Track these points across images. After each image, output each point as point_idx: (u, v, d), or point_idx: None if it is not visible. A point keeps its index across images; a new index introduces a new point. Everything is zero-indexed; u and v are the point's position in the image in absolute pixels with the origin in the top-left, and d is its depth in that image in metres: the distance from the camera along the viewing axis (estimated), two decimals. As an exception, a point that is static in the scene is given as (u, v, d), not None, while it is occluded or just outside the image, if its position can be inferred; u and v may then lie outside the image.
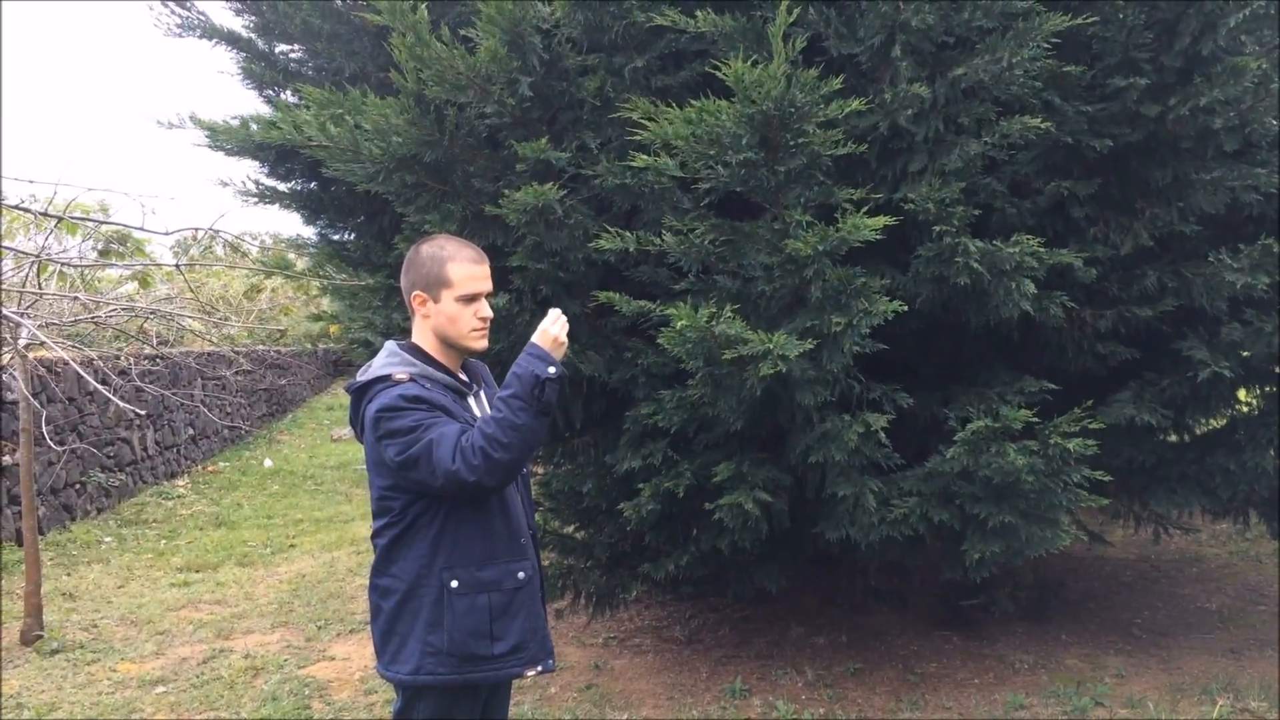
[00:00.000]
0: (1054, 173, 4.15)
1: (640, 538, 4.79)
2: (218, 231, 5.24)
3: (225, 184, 5.90)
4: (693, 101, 3.46)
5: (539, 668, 2.58)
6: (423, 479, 2.38)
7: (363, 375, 2.55)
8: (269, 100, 5.99)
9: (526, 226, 4.05)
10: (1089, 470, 3.90)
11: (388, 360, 2.53)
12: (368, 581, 2.67)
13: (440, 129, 4.20)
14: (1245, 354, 4.24)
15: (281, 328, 17.22)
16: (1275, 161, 4.24)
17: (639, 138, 3.64)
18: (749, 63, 3.31)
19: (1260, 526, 5.25)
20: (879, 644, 5.32)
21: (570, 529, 5.27)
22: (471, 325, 2.56)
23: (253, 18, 5.79)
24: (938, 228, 3.76)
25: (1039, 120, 3.77)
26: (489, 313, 2.58)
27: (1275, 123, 4.42)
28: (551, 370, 2.39)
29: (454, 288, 2.53)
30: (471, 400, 2.65)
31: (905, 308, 3.70)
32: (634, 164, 3.72)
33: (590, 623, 5.72)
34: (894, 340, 3.97)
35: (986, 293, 3.86)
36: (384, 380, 2.47)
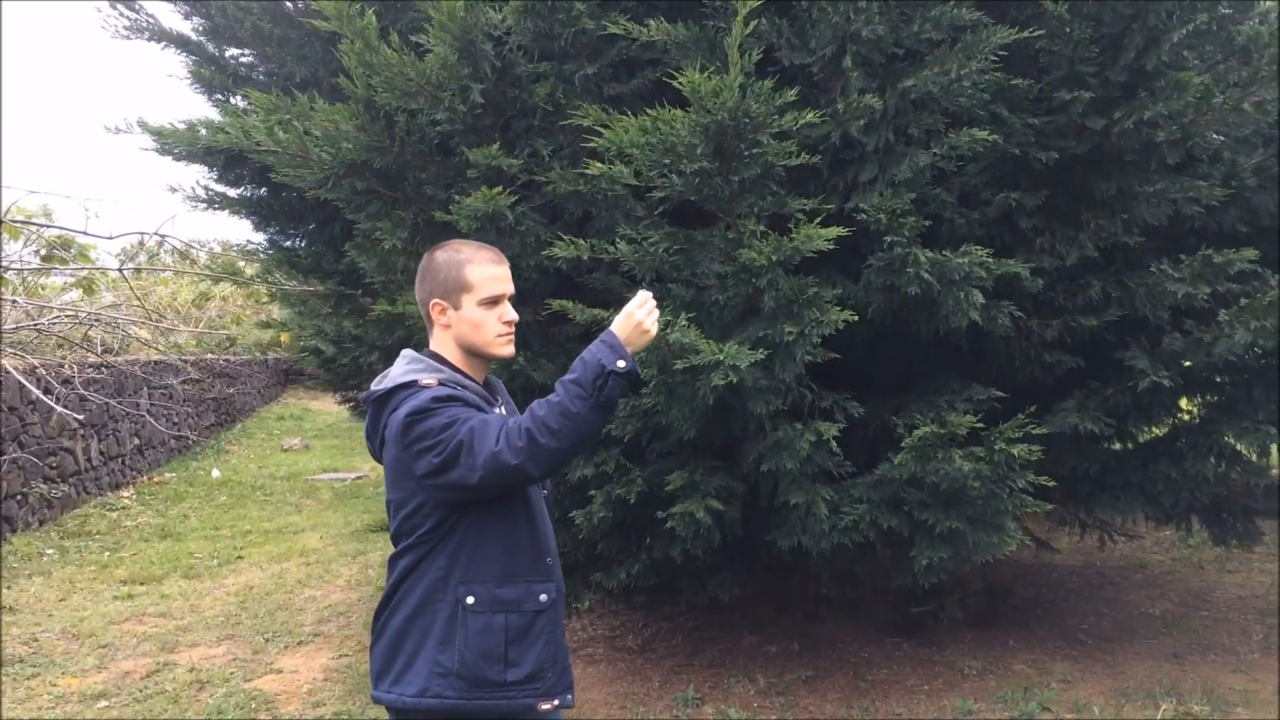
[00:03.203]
0: (1002, 184, 4.21)
1: (593, 546, 4.78)
2: (165, 237, 5.17)
3: (174, 189, 5.82)
4: (646, 110, 3.47)
5: (555, 701, 2.35)
6: (461, 476, 2.18)
7: (380, 384, 2.37)
8: (219, 104, 5.93)
9: (478, 233, 4.03)
10: (1034, 476, 3.95)
11: (409, 367, 2.36)
12: (377, 607, 2.43)
13: (391, 135, 4.18)
14: (1186, 364, 4.32)
15: (231, 335, 16.99)
16: (1217, 174, 4.34)
17: (593, 145, 3.65)
18: (705, 73, 3.33)
19: (1202, 533, 5.34)
20: (831, 651, 5.34)
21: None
22: (496, 330, 2.39)
23: (202, 21, 5.72)
24: (888, 238, 3.80)
25: (987, 132, 3.83)
26: (514, 315, 2.42)
27: (1217, 137, 4.53)
28: (620, 364, 2.21)
29: (475, 291, 2.37)
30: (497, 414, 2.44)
31: (856, 317, 3.73)
32: (588, 171, 3.72)
33: (543, 632, 5.68)
34: (846, 349, 4.00)
35: (936, 302, 3.90)
36: (409, 386, 2.30)
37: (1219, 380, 4.81)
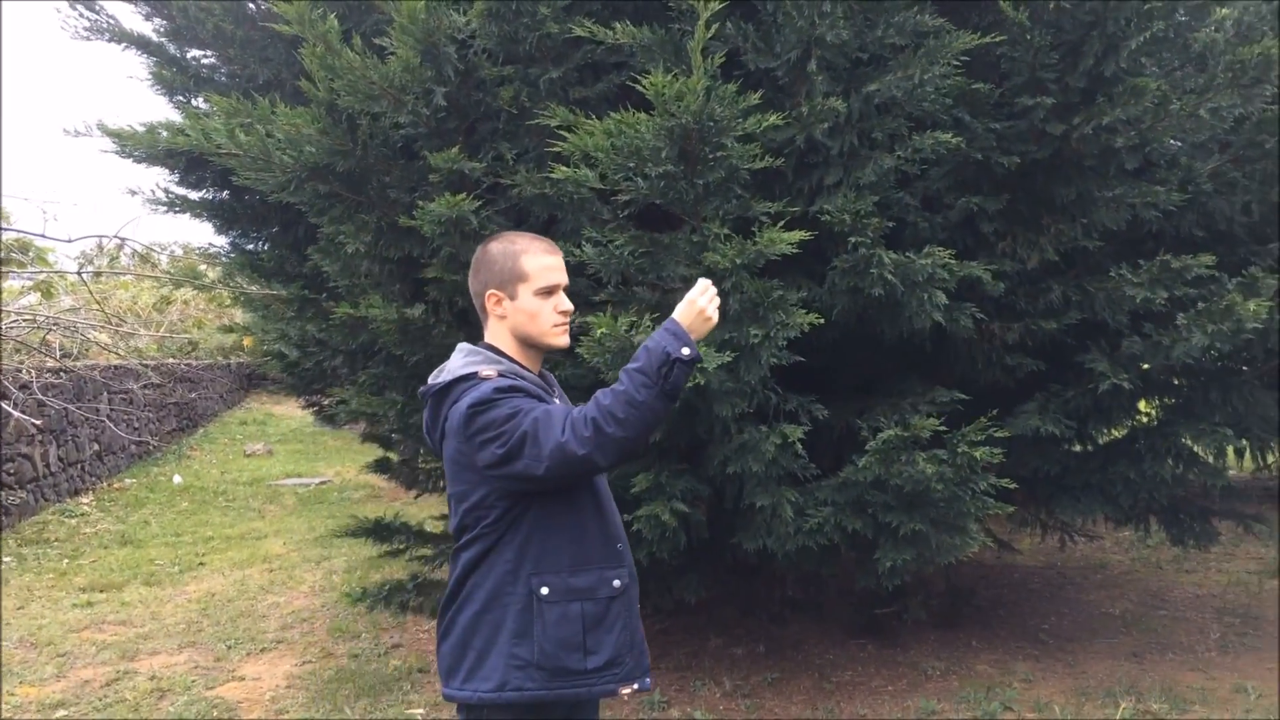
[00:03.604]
0: (964, 188, 4.25)
1: (559, 550, 4.76)
2: (125, 240, 5.11)
3: (134, 192, 5.75)
4: (611, 113, 3.47)
5: (634, 685, 2.35)
6: (526, 467, 2.19)
7: (438, 378, 2.37)
8: (180, 106, 5.86)
9: (442, 238, 4.01)
10: (995, 478, 3.99)
11: (468, 360, 2.36)
12: (439, 607, 2.41)
13: (353, 139, 4.15)
14: (1145, 366, 4.38)
15: (193, 340, 16.80)
16: (1174, 180, 4.40)
17: (557, 148, 3.64)
18: (669, 76, 3.33)
19: (1160, 534, 5.41)
20: (796, 653, 5.36)
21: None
22: (553, 320, 2.40)
23: (163, 22, 5.65)
24: (853, 239, 3.83)
25: (949, 136, 3.86)
26: (569, 305, 2.42)
27: (1175, 142, 4.60)
28: (685, 351, 2.21)
29: (531, 281, 2.37)
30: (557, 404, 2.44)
31: (822, 320, 3.75)
32: (553, 174, 3.72)
33: (509, 637, 5.66)
34: (811, 352, 4.02)
35: (900, 304, 3.93)
36: (468, 379, 2.30)
37: (1177, 383, 4.88)
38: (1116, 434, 5.12)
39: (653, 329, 3.52)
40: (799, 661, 5.25)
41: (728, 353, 3.61)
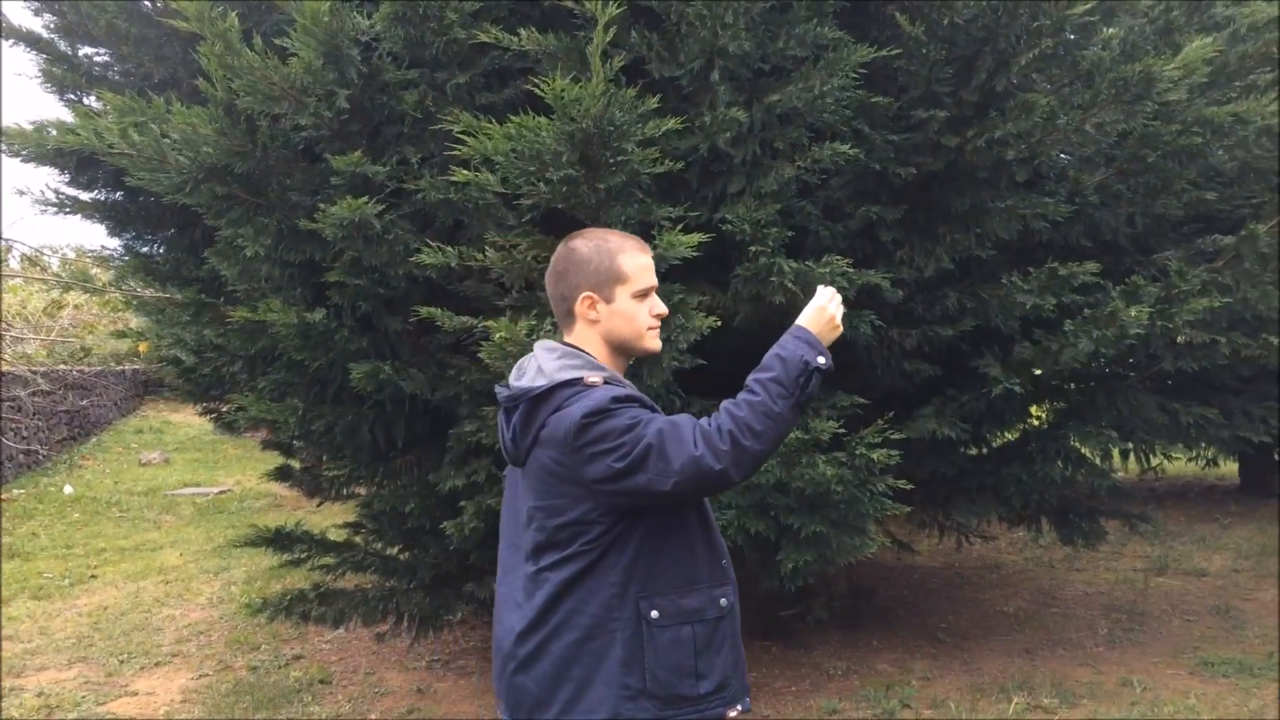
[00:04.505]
0: (864, 198, 4.35)
1: (465, 557, 4.73)
2: (13, 242, 4.93)
3: (22, 192, 5.55)
4: (512, 117, 3.47)
5: (739, 707, 2.21)
6: (650, 481, 2.02)
7: (524, 380, 2.17)
8: (71, 105, 5.68)
9: (344, 241, 3.96)
10: (893, 480, 4.09)
11: (565, 362, 2.16)
12: (519, 631, 2.14)
13: (253, 140, 4.07)
14: (1036, 371, 4.53)
15: (85, 345, 16.25)
16: (1062, 192, 4.57)
17: (460, 153, 3.63)
18: (568, 80, 3.35)
19: (1051, 533, 5.61)
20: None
21: (394, 550, 5.16)
22: (648, 323, 2.23)
23: (54, 18, 5.48)
24: (754, 248, 3.89)
25: (849, 147, 3.95)
26: (664, 309, 2.27)
27: (1063, 156, 4.78)
28: (821, 360, 2.11)
29: (629, 282, 2.19)
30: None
31: (720, 323, 3.80)
32: (455, 179, 3.70)
33: (414, 645, 5.61)
34: (714, 357, 4.06)
35: (800, 311, 3.99)
36: (573, 384, 2.10)
37: (1066, 387, 5.05)
38: (1009, 437, 5.29)
39: (554, 333, 3.53)
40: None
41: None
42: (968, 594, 6.69)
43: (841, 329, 2.23)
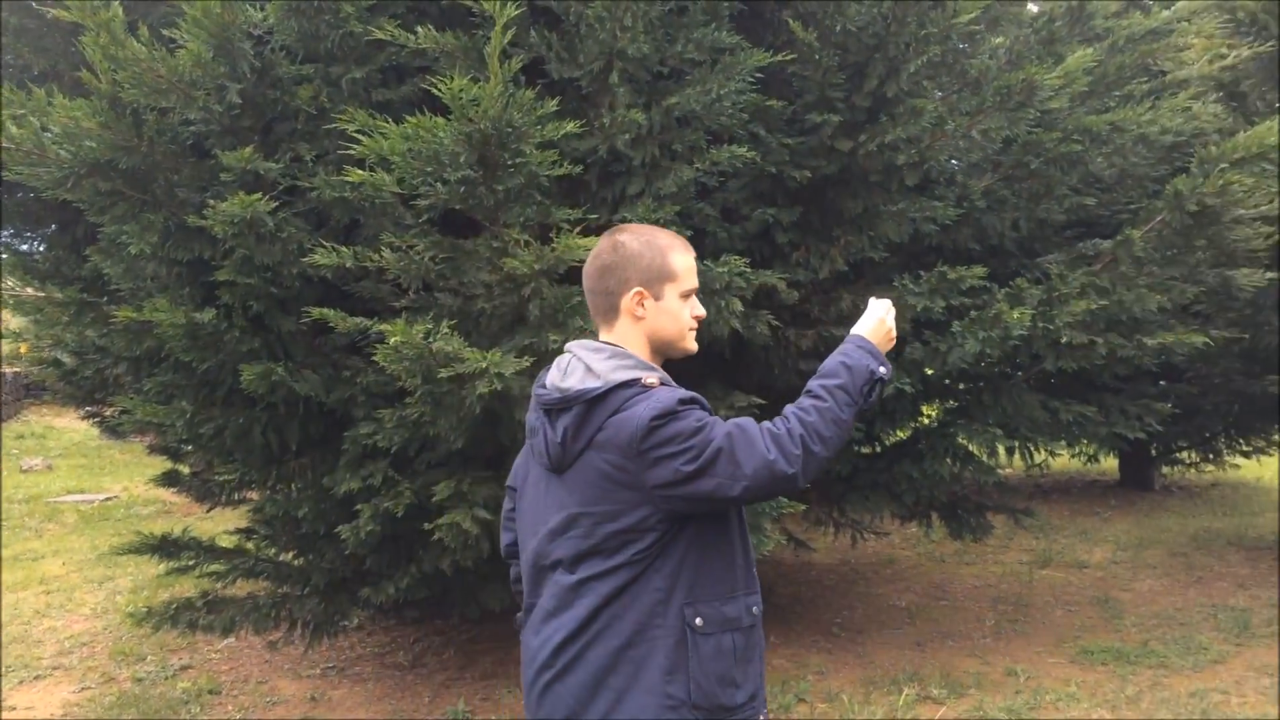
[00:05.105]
0: (761, 200, 4.42)
1: (360, 561, 4.66)
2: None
3: (-114, 186, 5.28)
4: (409, 117, 3.43)
5: (762, 716, 2.18)
6: (719, 486, 1.97)
7: (571, 381, 2.09)
8: (-59, 95, 5.43)
9: (235, 239, 3.86)
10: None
11: (618, 363, 2.09)
12: (551, 637, 2.09)
13: (139, 134, 3.95)
14: (927, 371, 4.66)
15: (-41, 347, 15.52)
16: (951, 196, 4.71)
17: (355, 152, 3.57)
18: (466, 80, 3.33)
19: (941, 528, 5.77)
20: (602, 657, 5.41)
21: (287, 556, 5.05)
22: (689, 324, 2.19)
23: (-79, 4, 5.23)
24: (653, 249, 3.91)
25: (745, 149, 4.01)
26: (703, 311, 2.23)
27: (953, 161, 4.92)
28: (883, 370, 2.11)
29: (678, 281, 2.15)
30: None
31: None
32: (350, 178, 3.64)
33: (307, 652, 5.49)
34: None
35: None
36: (630, 385, 2.04)
37: (954, 386, 5.21)
38: (901, 435, 5.42)
39: (451, 335, 3.50)
40: (605, 664, 5.30)
41: (527, 358, 3.62)
42: (862, 589, 6.84)
43: (894, 341, 2.24)
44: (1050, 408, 5.10)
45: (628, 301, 2.14)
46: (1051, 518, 8.97)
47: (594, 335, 2.18)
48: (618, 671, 2.03)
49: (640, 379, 2.05)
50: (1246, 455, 9.30)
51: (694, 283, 2.18)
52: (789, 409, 2.06)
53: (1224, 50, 6.25)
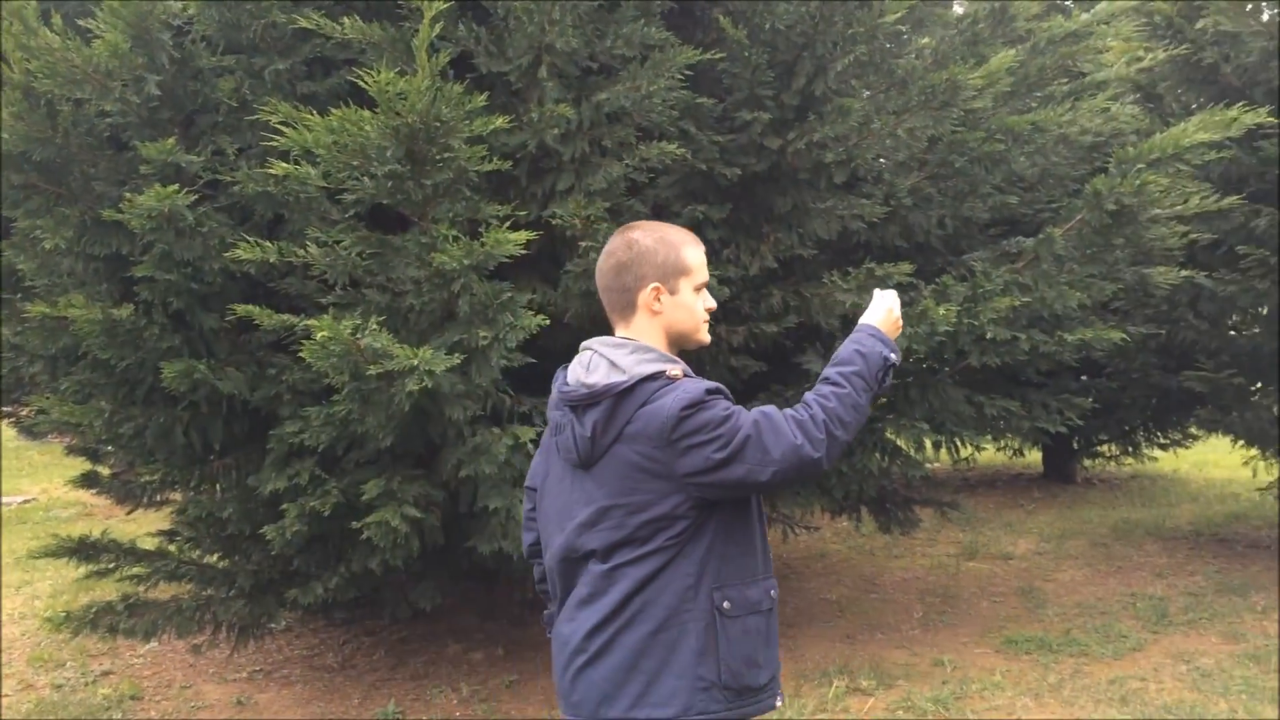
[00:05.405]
0: (691, 197, 4.43)
1: (288, 562, 4.58)
2: None
3: None
4: (333, 110, 3.38)
5: (779, 699, 2.25)
6: (749, 472, 2.03)
7: (596, 377, 2.13)
8: None
9: (153, 234, 3.77)
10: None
11: (641, 356, 2.13)
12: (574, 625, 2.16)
13: (53, 125, 3.85)
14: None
15: None
16: (878, 194, 4.76)
17: (279, 144, 3.51)
18: (394, 74, 3.29)
19: (871, 522, 5.84)
20: (535, 655, 5.39)
21: (211, 558, 4.95)
22: (703, 317, 2.25)
23: None
24: (584, 244, 3.91)
25: (675, 146, 4.02)
26: (714, 303, 2.28)
27: (881, 160, 4.97)
28: (894, 355, 2.19)
29: (692, 275, 2.20)
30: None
31: (549, 322, 3.81)
32: (274, 171, 3.57)
33: (233, 656, 5.39)
34: (546, 354, 4.05)
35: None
36: (656, 378, 2.09)
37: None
38: (831, 431, 5.46)
39: (380, 332, 3.46)
40: (539, 663, 5.28)
41: (457, 355, 3.59)
42: (794, 583, 6.89)
43: (900, 329, 2.32)
44: (975, 403, 5.18)
45: (645, 297, 2.18)
46: (978, 510, 9.13)
47: (592, 335, 2.24)
48: (650, 655, 2.09)
49: (664, 371, 2.10)
50: (1164, 448, 9.55)
51: (705, 276, 2.25)
52: (809, 396, 2.13)
53: (1141, 53, 6.40)
